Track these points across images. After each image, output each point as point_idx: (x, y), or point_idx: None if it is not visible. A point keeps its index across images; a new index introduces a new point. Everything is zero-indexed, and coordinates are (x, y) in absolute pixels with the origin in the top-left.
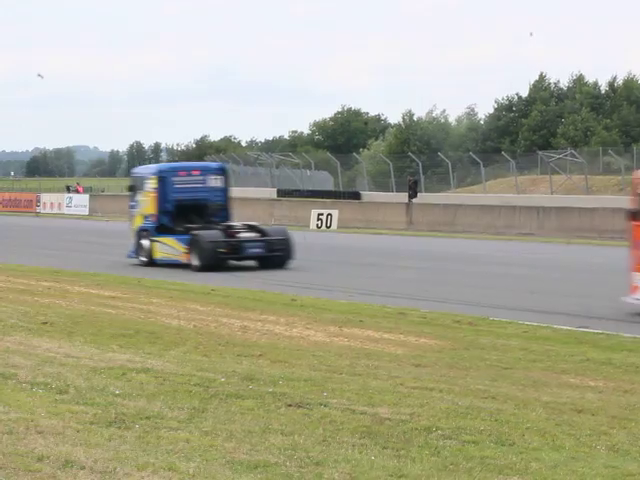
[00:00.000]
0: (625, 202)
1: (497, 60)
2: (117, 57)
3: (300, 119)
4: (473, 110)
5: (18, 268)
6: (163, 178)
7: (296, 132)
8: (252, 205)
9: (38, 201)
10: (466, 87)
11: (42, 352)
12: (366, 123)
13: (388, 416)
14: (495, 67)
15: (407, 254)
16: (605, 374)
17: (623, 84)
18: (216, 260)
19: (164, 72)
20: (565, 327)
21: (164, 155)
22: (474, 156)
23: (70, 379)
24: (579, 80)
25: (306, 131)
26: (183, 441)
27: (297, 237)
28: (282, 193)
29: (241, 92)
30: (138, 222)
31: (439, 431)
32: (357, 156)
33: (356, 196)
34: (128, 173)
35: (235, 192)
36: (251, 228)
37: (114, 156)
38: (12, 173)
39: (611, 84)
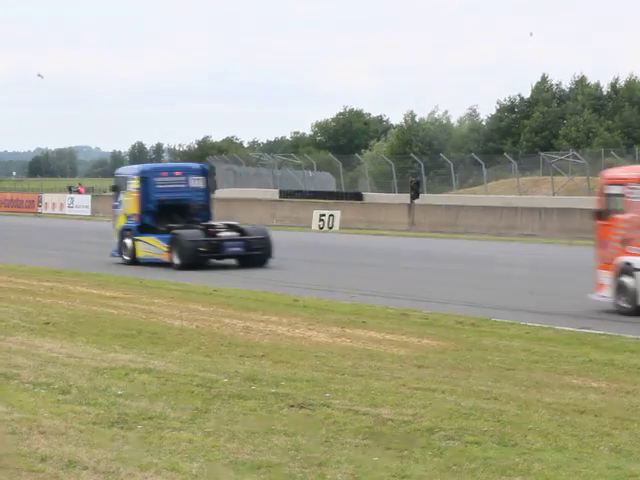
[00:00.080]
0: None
1: (498, 61)
2: (119, 57)
3: (302, 120)
4: (475, 111)
5: (19, 268)
6: (145, 178)
7: (298, 133)
8: (254, 206)
9: (40, 201)
10: (467, 88)
11: (44, 352)
12: (366, 123)
13: (391, 417)
14: (496, 68)
15: (409, 255)
16: (607, 375)
17: (625, 85)
18: (196, 259)
19: (166, 73)
20: (567, 328)
21: (166, 155)
22: (476, 157)
23: (72, 379)
24: (581, 81)
25: (308, 132)
26: (186, 441)
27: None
28: (284, 194)
29: (243, 93)
30: (121, 222)
31: (442, 432)
32: (359, 157)
33: (358, 197)
34: None
35: (237, 193)
36: (231, 227)
37: (116, 157)
38: (14, 173)
39: (613, 85)
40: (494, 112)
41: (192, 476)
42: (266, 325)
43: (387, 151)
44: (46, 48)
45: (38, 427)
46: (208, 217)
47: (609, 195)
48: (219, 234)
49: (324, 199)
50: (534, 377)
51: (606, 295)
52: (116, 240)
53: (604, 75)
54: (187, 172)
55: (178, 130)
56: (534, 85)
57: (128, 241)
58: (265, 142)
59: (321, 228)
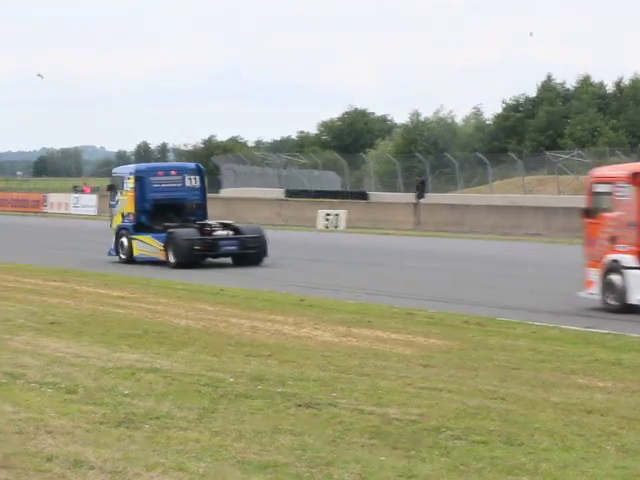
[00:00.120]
0: None
1: (503, 60)
2: (124, 57)
3: (307, 119)
4: (479, 110)
5: (25, 268)
6: (141, 178)
7: (303, 132)
8: (260, 205)
9: (45, 201)
10: (472, 87)
11: (51, 352)
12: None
13: (397, 416)
14: (501, 67)
15: (414, 254)
16: (614, 374)
17: (630, 84)
18: (192, 257)
19: (171, 72)
20: (573, 327)
21: (171, 155)
22: (481, 156)
23: (79, 379)
24: (585, 80)
25: (313, 131)
26: (193, 441)
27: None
28: (290, 193)
29: (248, 92)
30: (118, 221)
31: (448, 431)
32: (364, 156)
33: (363, 196)
34: None
35: (243, 192)
36: (226, 226)
37: (121, 156)
38: (19, 173)
39: (618, 84)
40: (499, 111)
41: (199, 476)
42: (272, 325)
43: (392, 150)
44: (51, 48)
45: (45, 427)
46: (204, 216)
47: (597, 193)
48: (214, 233)
49: (329, 198)
50: (540, 377)
51: (594, 292)
52: (113, 239)
53: (609, 74)
54: (182, 171)
55: (183, 130)
56: (539, 84)
57: (124, 240)
58: (270, 141)
59: (327, 227)
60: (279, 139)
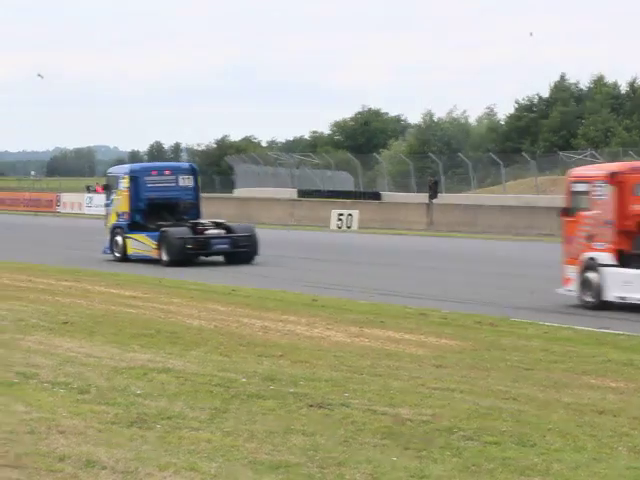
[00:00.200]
0: None
1: (516, 60)
2: (139, 57)
3: (320, 119)
4: (493, 110)
5: (38, 267)
6: (136, 178)
7: (316, 132)
8: (272, 205)
9: (58, 201)
10: (485, 87)
11: (63, 352)
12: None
13: (409, 417)
14: (514, 67)
15: (427, 255)
16: (626, 375)
17: None
18: (184, 255)
19: (185, 72)
20: (586, 328)
21: (184, 155)
22: (494, 156)
23: (91, 379)
24: (599, 81)
25: (326, 131)
26: (205, 441)
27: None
28: (302, 193)
29: (262, 92)
30: (113, 220)
31: (461, 432)
32: (377, 156)
33: (376, 196)
34: None
35: (255, 192)
36: (218, 225)
37: (134, 156)
38: (33, 173)
39: (631, 84)
40: (512, 111)
41: (211, 476)
42: (285, 325)
43: (405, 150)
44: (64, 48)
45: (57, 427)
46: (197, 215)
47: (576, 193)
48: (206, 232)
49: (342, 198)
50: (553, 377)
51: (572, 289)
52: (108, 237)
53: (622, 74)
54: (176, 171)
55: (196, 129)
56: (552, 84)
57: (119, 238)
58: (283, 141)
59: (339, 228)
60: (292, 139)
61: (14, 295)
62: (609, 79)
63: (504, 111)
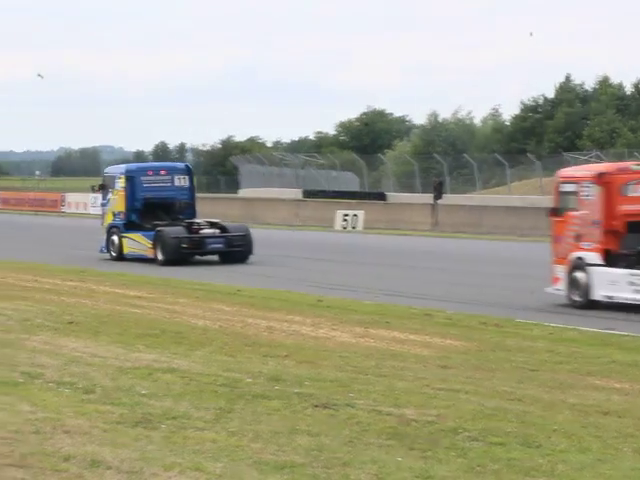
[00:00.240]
0: None
1: (521, 61)
2: (143, 57)
3: (325, 119)
4: (498, 111)
5: (43, 267)
6: (132, 177)
7: (321, 133)
8: (277, 206)
9: (63, 201)
10: (490, 88)
11: (68, 352)
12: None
13: (414, 417)
14: (519, 68)
15: (432, 255)
16: (631, 376)
17: None
18: (179, 255)
19: (190, 72)
20: (591, 329)
21: (189, 155)
22: (499, 157)
23: (96, 379)
24: (604, 81)
25: (331, 132)
26: (210, 441)
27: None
28: (307, 194)
29: (267, 92)
30: (109, 219)
31: (466, 433)
32: (382, 157)
33: (381, 197)
34: None
35: (260, 193)
36: (213, 225)
37: (139, 156)
38: (37, 173)
39: (636, 85)
40: (517, 112)
41: (216, 476)
42: (290, 325)
43: (410, 151)
44: (70, 47)
45: (62, 426)
46: (192, 215)
47: (564, 193)
48: (201, 231)
49: (347, 199)
50: (558, 378)
51: (560, 288)
52: (104, 237)
53: (627, 75)
54: (172, 171)
55: (201, 130)
56: (558, 85)
57: (115, 238)
58: (288, 142)
59: (344, 228)
60: (297, 139)
61: (20, 295)
62: (614, 80)
63: (509, 112)
